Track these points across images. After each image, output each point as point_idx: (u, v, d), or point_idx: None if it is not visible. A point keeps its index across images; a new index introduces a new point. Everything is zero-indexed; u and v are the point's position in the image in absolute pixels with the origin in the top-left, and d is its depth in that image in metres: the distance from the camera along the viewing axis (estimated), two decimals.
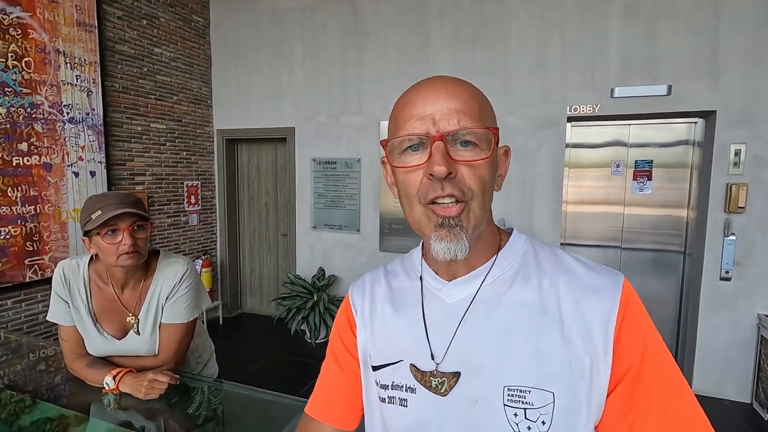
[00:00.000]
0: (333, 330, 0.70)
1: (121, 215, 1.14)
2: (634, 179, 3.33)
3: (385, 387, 0.58)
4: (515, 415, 0.49)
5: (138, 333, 1.30)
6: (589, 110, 3.19)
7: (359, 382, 0.65)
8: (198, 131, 4.24)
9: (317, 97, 3.97)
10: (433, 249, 0.51)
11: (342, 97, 3.87)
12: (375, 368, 0.60)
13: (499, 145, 0.56)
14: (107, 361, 1.31)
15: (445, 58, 3.54)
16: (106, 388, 1.21)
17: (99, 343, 1.30)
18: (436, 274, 0.59)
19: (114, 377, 1.21)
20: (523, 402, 0.49)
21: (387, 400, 0.57)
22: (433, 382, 0.53)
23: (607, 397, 0.50)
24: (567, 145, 3.35)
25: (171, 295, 1.29)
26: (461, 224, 0.50)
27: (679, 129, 3.23)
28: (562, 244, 3.46)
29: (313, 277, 3.95)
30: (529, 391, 0.49)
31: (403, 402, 0.56)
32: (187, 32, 4.06)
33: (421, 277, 0.61)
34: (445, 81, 0.53)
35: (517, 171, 3.40)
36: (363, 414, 0.67)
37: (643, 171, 3.30)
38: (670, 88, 2.96)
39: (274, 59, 4.11)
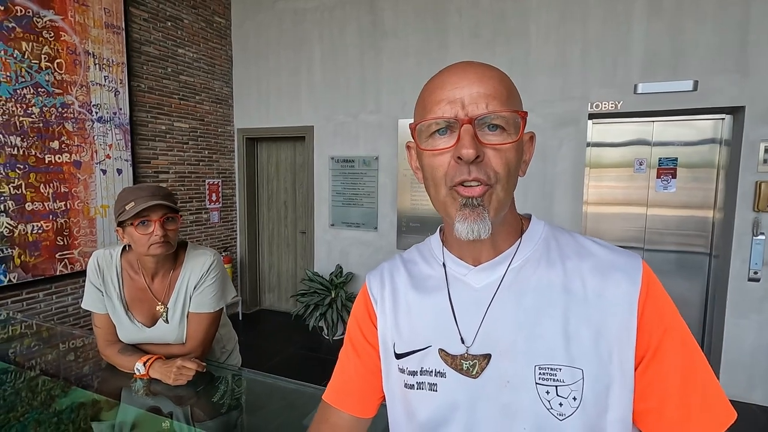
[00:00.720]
0: (351, 318, 0.70)
1: (153, 207, 1.19)
2: (657, 178, 3.26)
3: (413, 373, 0.58)
4: (547, 392, 0.50)
5: (167, 321, 1.34)
6: (611, 107, 3.13)
7: (377, 371, 0.65)
8: (219, 130, 4.33)
9: (335, 96, 4.01)
10: (456, 229, 0.51)
11: (360, 96, 3.90)
12: (399, 356, 0.61)
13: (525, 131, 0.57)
14: (137, 348, 1.36)
15: (463, 57, 3.52)
16: (137, 373, 1.26)
17: (130, 331, 1.34)
18: (461, 259, 0.60)
19: (144, 363, 1.25)
20: (553, 379, 0.50)
21: (416, 386, 0.58)
22: (464, 365, 0.54)
23: (634, 374, 0.51)
24: (588, 144, 3.30)
25: (198, 285, 1.33)
26: (483, 204, 0.50)
27: (705, 126, 3.14)
28: None
29: (330, 274, 3.99)
30: (560, 369, 0.50)
31: (432, 387, 0.56)
32: (209, 33, 4.15)
33: (443, 264, 0.61)
34: (474, 66, 0.53)
35: (537, 170, 3.37)
36: (380, 403, 0.67)
37: (667, 169, 3.23)
38: (696, 83, 2.88)
39: (293, 59, 4.16)
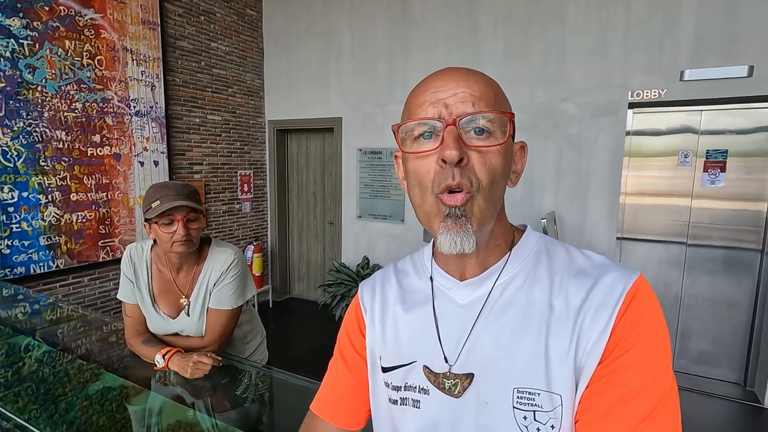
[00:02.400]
0: (341, 328, 0.69)
1: (178, 207, 1.22)
2: (704, 171, 3.04)
3: (397, 388, 0.57)
4: (524, 417, 0.48)
5: (188, 314, 1.39)
6: (655, 95, 2.94)
7: (366, 383, 0.64)
8: (251, 122, 4.42)
9: (364, 87, 3.98)
10: (439, 242, 0.49)
11: (388, 86, 3.85)
12: (385, 369, 0.60)
13: (515, 140, 0.54)
14: (159, 340, 1.41)
15: (495, 44, 3.40)
16: (157, 365, 1.31)
17: (156, 321, 1.40)
18: (447, 273, 0.57)
19: (164, 356, 1.30)
20: (531, 404, 0.48)
21: (399, 401, 0.57)
22: (446, 384, 0.53)
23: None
24: (627, 132, 3.12)
25: (218, 282, 1.36)
26: (466, 215, 0.48)
27: (759, 114, 2.89)
28: (618, 238, 3.25)
29: (357, 265, 4.02)
30: (538, 394, 0.48)
31: (416, 403, 0.55)
32: (241, 26, 4.22)
33: (431, 277, 0.60)
34: (460, 69, 0.52)
35: (571, 161, 3.23)
36: (368, 416, 0.66)
37: (714, 162, 3.00)
38: (751, 69, 2.65)
39: (322, 50, 4.16)
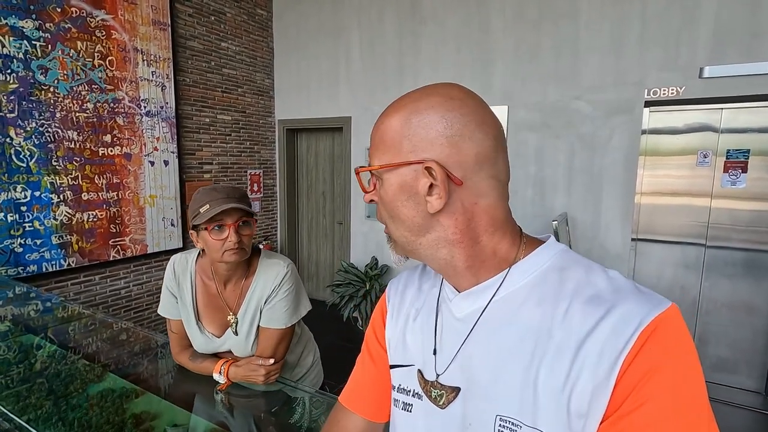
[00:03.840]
0: (369, 322, 0.72)
1: (228, 210, 1.11)
2: (724, 172, 2.93)
3: (394, 388, 0.59)
4: None
5: (236, 333, 1.27)
6: (672, 93, 2.84)
7: (389, 376, 0.65)
8: (260, 122, 4.42)
9: (373, 86, 3.95)
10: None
11: (397, 85, 3.82)
12: (392, 367, 0.62)
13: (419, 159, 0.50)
14: (208, 355, 1.31)
15: (506, 41, 3.34)
16: (220, 384, 1.21)
17: (200, 341, 1.30)
18: (450, 283, 0.57)
19: (220, 372, 1.22)
20: None
21: (394, 402, 0.59)
22: (433, 393, 0.54)
23: None
24: (643, 132, 3.02)
25: (270, 299, 1.24)
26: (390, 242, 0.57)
27: None
28: (633, 239, 3.16)
29: (366, 266, 3.99)
30: (521, 427, 0.45)
31: (407, 407, 0.56)
32: (251, 26, 4.22)
33: (441, 283, 0.60)
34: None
35: (584, 161, 3.15)
36: None
37: (735, 163, 2.89)
38: None
39: (332, 49, 4.15)
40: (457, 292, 0.55)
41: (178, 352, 1.31)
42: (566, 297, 0.47)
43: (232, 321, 1.26)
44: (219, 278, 1.25)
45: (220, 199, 1.11)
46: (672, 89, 2.84)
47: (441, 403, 0.52)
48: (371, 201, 0.56)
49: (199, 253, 1.29)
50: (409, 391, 0.56)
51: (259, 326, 1.26)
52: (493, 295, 0.51)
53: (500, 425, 0.47)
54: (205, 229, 1.12)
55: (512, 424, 0.46)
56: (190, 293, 1.27)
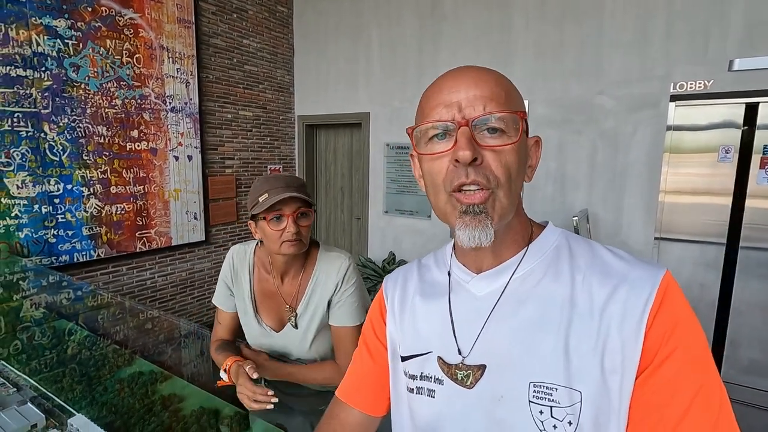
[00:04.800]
0: (366, 319, 0.73)
1: (287, 200, 1.08)
2: (761, 167, 2.82)
3: (413, 377, 0.59)
4: (540, 412, 0.48)
5: (296, 327, 1.22)
6: (700, 87, 2.77)
7: (387, 371, 0.66)
8: (281, 117, 4.49)
9: (392, 81, 3.96)
10: (458, 236, 0.51)
11: (416, 80, 3.82)
12: (404, 358, 0.62)
13: (530, 135, 0.55)
14: (229, 349, 1.22)
15: (527, 38, 3.30)
16: (221, 380, 1.14)
17: (257, 334, 1.26)
18: (465, 266, 0.59)
19: (225, 369, 1.14)
20: (549, 399, 0.48)
21: (416, 390, 0.59)
22: (459, 375, 0.54)
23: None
24: (669, 128, 2.95)
25: (337, 294, 1.19)
26: (486, 211, 0.49)
27: None
28: (656, 238, 3.09)
29: (383, 260, 4.02)
30: (556, 389, 0.47)
31: (431, 393, 0.56)
32: (272, 23, 4.28)
33: (449, 271, 0.61)
34: (472, 69, 0.53)
35: (606, 158, 3.10)
36: (390, 403, 0.68)
37: None
38: None
39: (351, 46, 4.17)
40: (473, 273, 0.57)
41: (212, 342, 1.29)
42: (580, 270, 0.52)
43: (290, 315, 1.21)
44: (277, 270, 1.21)
45: (279, 188, 1.08)
46: (699, 83, 2.76)
47: (468, 383, 0.53)
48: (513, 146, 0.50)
49: (258, 244, 1.25)
50: (430, 377, 0.57)
51: (319, 323, 1.20)
52: (513, 273, 0.54)
53: (534, 390, 0.48)
54: (264, 218, 1.09)
55: (546, 387, 0.48)
56: (248, 284, 1.23)
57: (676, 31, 2.80)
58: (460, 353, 0.55)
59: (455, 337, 0.56)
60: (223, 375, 1.14)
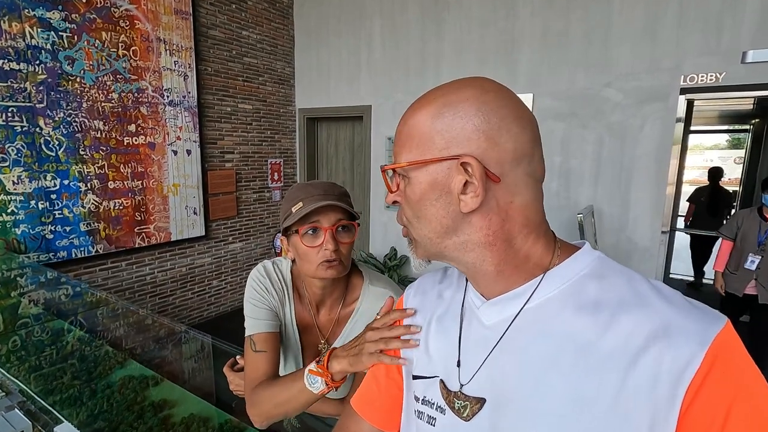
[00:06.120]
0: None
1: (326, 210, 0.89)
2: None
3: (417, 400, 0.56)
4: None
5: None
6: (711, 79, 2.68)
7: (401, 386, 0.63)
8: (281, 110, 4.43)
9: (394, 74, 3.88)
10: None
11: (419, 73, 3.74)
12: (414, 377, 0.59)
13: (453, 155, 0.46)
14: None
15: (533, 26, 3.20)
16: (321, 390, 0.76)
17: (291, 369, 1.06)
18: (476, 289, 0.54)
19: (317, 364, 0.78)
20: None
21: (417, 414, 0.56)
22: (456, 404, 0.51)
23: None
24: (678, 120, 2.87)
25: None
26: (410, 242, 0.55)
27: None
28: (663, 232, 3.03)
29: (385, 256, 3.98)
30: None
31: (431, 421, 0.53)
32: (272, 14, 4.20)
33: (465, 292, 0.57)
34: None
35: (612, 152, 3.02)
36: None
37: None
38: None
39: (353, 37, 4.09)
40: (484, 298, 0.52)
41: (252, 385, 0.89)
42: (608, 307, 0.43)
43: (324, 349, 1.01)
44: (312, 297, 1.01)
45: (317, 196, 0.90)
46: (711, 75, 2.67)
47: (465, 414, 0.49)
48: (394, 202, 0.53)
49: (291, 264, 1.05)
50: (433, 403, 0.54)
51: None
52: (526, 303, 0.48)
53: None
54: (296, 232, 0.90)
55: None
56: (290, 311, 1.01)
57: (687, 20, 2.71)
58: (459, 380, 0.51)
59: (459, 363, 0.52)
60: (318, 381, 0.76)
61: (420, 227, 0.51)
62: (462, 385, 0.51)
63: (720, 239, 2.86)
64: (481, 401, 0.49)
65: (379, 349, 0.64)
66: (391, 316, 0.65)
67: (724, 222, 4.95)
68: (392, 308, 0.68)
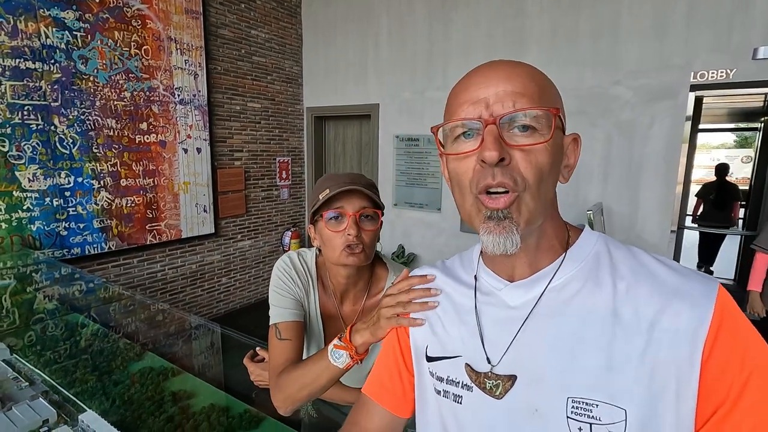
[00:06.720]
0: None
1: (350, 197, 0.92)
2: None
3: (441, 380, 0.57)
4: (579, 429, 0.45)
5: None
6: (722, 76, 2.67)
7: (413, 370, 0.64)
8: (289, 109, 4.45)
9: (402, 72, 3.90)
10: (482, 242, 0.48)
11: (426, 71, 3.75)
12: (430, 359, 0.60)
13: (567, 133, 0.52)
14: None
15: (541, 25, 3.21)
16: (346, 363, 0.77)
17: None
18: (495, 273, 0.56)
19: (341, 340, 0.79)
20: (588, 416, 0.45)
21: (442, 393, 0.57)
22: (488, 384, 0.52)
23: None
24: (688, 118, 2.86)
25: None
26: (511, 216, 0.46)
27: None
28: (672, 231, 3.02)
29: (392, 253, 3.99)
30: (597, 405, 0.44)
31: (457, 399, 0.55)
32: (280, 13, 4.23)
33: (476, 276, 0.59)
34: (502, 63, 0.50)
35: (621, 150, 3.02)
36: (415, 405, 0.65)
37: None
38: None
39: (360, 36, 4.10)
40: (505, 281, 0.54)
41: (277, 371, 0.90)
42: (623, 277, 0.48)
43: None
44: (336, 287, 1.02)
45: (343, 183, 0.92)
46: (721, 72, 2.66)
47: (497, 393, 0.51)
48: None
49: (317, 253, 1.06)
50: (458, 382, 0.55)
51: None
52: (549, 282, 0.51)
53: (573, 406, 0.46)
54: (322, 217, 0.93)
55: (586, 403, 0.45)
56: (315, 301, 1.03)
57: (696, 18, 2.70)
58: (489, 362, 0.53)
59: (483, 344, 0.54)
60: (343, 355, 0.77)
61: (544, 189, 0.47)
62: (492, 366, 0.52)
63: (756, 253, 2.30)
64: (513, 378, 0.50)
65: (396, 314, 0.64)
66: (409, 282, 0.66)
67: (732, 215, 4.93)
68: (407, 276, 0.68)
